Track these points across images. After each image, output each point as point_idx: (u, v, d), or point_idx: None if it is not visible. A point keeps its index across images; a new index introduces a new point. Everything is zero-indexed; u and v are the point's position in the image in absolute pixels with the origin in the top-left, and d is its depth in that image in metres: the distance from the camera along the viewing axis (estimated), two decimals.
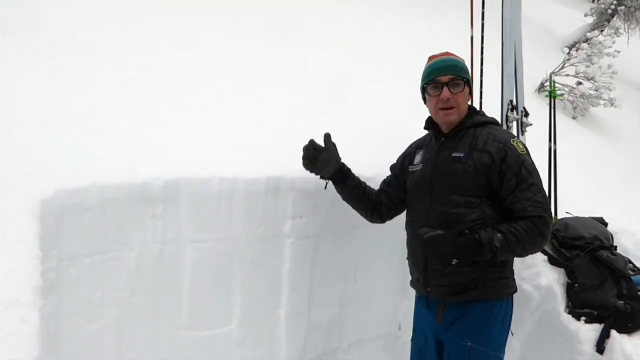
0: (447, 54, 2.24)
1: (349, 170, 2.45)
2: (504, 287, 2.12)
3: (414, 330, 2.35)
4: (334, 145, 2.42)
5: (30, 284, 1.66)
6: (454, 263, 1.98)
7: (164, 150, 2.50)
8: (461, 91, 2.13)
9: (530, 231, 1.96)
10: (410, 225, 2.26)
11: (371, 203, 2.43)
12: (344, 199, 2.47)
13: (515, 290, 2.18)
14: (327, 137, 2.41)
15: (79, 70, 2.82)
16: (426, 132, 2.37)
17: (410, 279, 2.33)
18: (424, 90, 2.22)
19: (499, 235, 1.96)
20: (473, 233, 1.98)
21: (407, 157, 2.39)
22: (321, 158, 2.37)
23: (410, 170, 2.31)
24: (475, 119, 2.17)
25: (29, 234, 1.81)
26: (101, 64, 2.97)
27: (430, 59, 2.26)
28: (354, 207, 2.47)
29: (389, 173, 2.50)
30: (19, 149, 2.15)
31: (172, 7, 4.06)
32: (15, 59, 2.71)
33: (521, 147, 2.07)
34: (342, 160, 2.43)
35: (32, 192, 1.94)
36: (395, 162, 2.48)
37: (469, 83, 2.17)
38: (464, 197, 2.05)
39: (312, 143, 2.39)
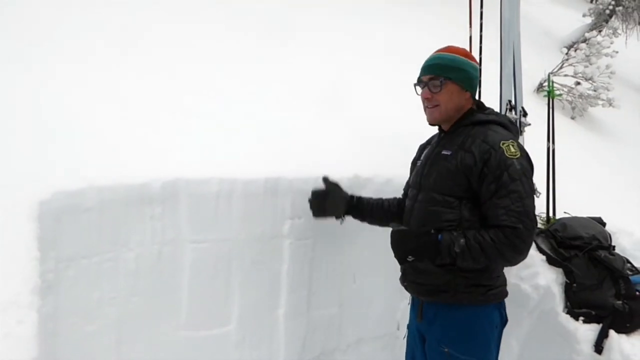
0: (444, 49, 2.20)
1: (359, 199, 2.47)
2: (479, 295, 2.02)
3: (407, 330, 2.36)
4: (336, 184, 2.46)
5: (28, 285, 1.66)
6: (409, 259, 1.98)
7: (162, 150, 2.49)
8: (439, 91, 2.08)
9: (498, 241, 1.86)
10: (402, 220, 2.27)
11: (394, 215, 2.38)
12: (370, 223, 2.50)
13: (499, 299, 2.09)
14: (325, 180, 2.47)
15: (77, 71, 2.82)
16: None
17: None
18: None
19: (462, 240, 1.90)
20: (437, 233, 1.96)
21: (418, 152, 2.40)
22: (327, 203, 2.43)
23: (416, 164, 2.33)
24: (474, 117, 2.10)
25: (27, 235, 1.81)
26: (99, 65, 2.96)
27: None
28: (383, 226, 2.39)
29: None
30: (16, 150, 2.15)
31: (170, 10, 4.05)
32: (14, 59, 2.71)
33: (512, 150, 1.94)
34: (350, 193, 2.46)
35: (29, 194, 1.93)
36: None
37: (452, 80, 2.08)
38: (443, 196, 2.02)
39: (313, 193, 2.47)
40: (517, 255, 1.90)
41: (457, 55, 2.15)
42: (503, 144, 1.96)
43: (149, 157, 2.40)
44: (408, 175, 2.42)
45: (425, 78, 2.14)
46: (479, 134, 2.03)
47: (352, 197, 2.46)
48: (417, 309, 2.18)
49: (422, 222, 2.07)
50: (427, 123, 2.23)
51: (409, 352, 2.33)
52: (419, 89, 2.19)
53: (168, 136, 2.62)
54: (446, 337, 2.04)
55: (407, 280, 2.20)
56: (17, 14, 3.09)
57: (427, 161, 2.20)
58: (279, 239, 2.64)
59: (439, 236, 1.94)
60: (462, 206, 1.99)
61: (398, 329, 3.17)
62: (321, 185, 2.51)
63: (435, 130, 2.31)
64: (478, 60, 3.20)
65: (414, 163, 2.37)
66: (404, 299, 3.01)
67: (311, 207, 2.48)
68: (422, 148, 2.38)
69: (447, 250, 1.92)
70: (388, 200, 2.47)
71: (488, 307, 2.06)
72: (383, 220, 2.42)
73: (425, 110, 2.18)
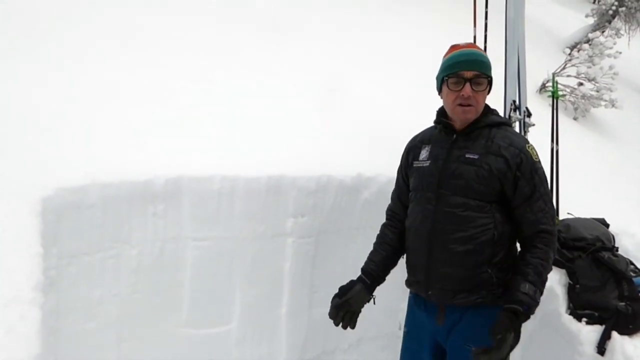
0: (472, 45, 2.12)
1: (374, 274, 2.27)
2: (501, 294, 2.03)
3: (407, 332, 2.28)
4: (346, 294, 2.25)
5: (31, 281, 1.66)
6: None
7: (165, 148, 2.49)
8: (483, 90, 2.01)
9: (545, 256, 1.96)
10: (412, 223, 2.14)
11: (399, 243, 2.27)
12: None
13: None
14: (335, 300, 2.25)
15: (80, 70, 2.82)
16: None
17: (407, 277, 2.25)
18: (442, 81, 2.06)
19: (527, 285, 1.92)
20: (517, 309, 1.91)
21: (410, 152, 2.23)
22: (353, 305, 2.25)
23: (415, 165, 2.16)
24: (490, 119, 2.07)
25: (30, 231, 1.81)
26: (102, 63, 2.96)
27: (453, 47, 2.11)
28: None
29: (392, 172, 2.40)
30: (20, 148, 2.15)
31: (171, 6, 4.04)
32: (16, 59, 2.70)
33: (535, 153, 2.01)
34: (359, 276, 2.27)
35: (33, 190, 1.94)
36: (400, 166, 2.30)
37: (491, 81, 2.05)
38: (475, 201, 1.97)
39: (335, 307, 2.23)
40: (555, 253, 2.04)
41: (486, 55, 2.08)
42: (528, 147, 2.02)
43: (151, 154, 2.40)
44: (404, 185, 2.25)
45: (469, 74, 1.98)
46: (501, 136, 2.02)
47: (369, 282, 2.26)
48: (436, 314, 2.09)
49: (454, 227, 1.98)
50: (455, 120, 2.07)
51: (407, 355, 2.27)
52: (453, 84, 2.01)
53: (171, 133, 2.62)
54: (473, 336, 2.00)
55: (433, 287, 2.06)
56: (18, 14, 3.08)
57: (444, 163, 2.05)
58: (281, 237, 2.64)
59: (524, 307, 1.90)
60: (493, 210, 1.98)
61: (400, 328, 3.15)
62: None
63: (421, 125, 2.22)
64: None
65: (410, 164, 2.20)
66: (406, 299, 3.00)
67: (342, 324, 2.23)
68: (415, 148, 2.21)
69: (535, 304, 1.93)
70: (390, 243, 2.27)
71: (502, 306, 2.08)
72: (399, 255, 2.30)
73: (454, 108, 2.02)
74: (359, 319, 3.09)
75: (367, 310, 3.00)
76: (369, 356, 3.09)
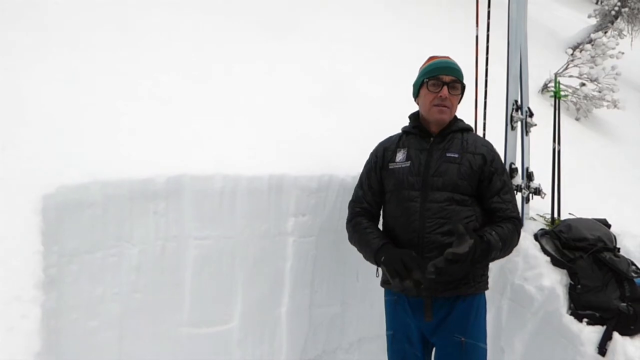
0: (448, 57, 2.34)
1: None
2: (485, 283, 2.28)
3: (393, 334, 2.32)
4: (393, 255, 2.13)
5: (32, 280, 1.66)
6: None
7: (166, 146, 2.49)
8: (457, 93, 2.26)
9: (514, 231, 2.16)
10: (397, 221, 2.22)
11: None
12: None
13: None
14: None
15: (82, 69, 2.82)
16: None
17: (383, 279, 2.33)
18: (420, 85, 2.28)
19: (494, 234, 2.10)
20: (477, 237, 2.05)
21: (382, 155, 2.33)
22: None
23: (390, 167, 2.28)
24: (460, 124, 2.32)
25: (31, 229, 1.80)
26: (104, 62, 2.96)
27: (431, 58, 2.35)
28: None
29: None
30: (21, 146, 2.14)
31: (176, 12, 4.03)
32: (19, 57, 2.70)
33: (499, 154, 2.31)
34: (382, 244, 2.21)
35: (34, 188, 1.93)
36: (369, 168, 2.36)
37: (464, 89, 2.30)
38: (459, 195, 2.16)
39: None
40: (517, 242, 2.23)
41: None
42: (494, 148, 2.30)
43: (153, 153, 2.40)
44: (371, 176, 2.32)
45: (447, 78, 2.22)
46: (473, 139, 2.28)
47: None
48: (422, 309, 2.14)
49: (443, 221, 2.13)
50: (431, 122, 2.27)
51: (399, 355, 2.30)
52: (433, 85, 2.23)
53: (172, 132, 2.61)
54: (461, 326, 2.17)
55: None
56: (22, 12, 3.08)
57: (427, 162, 2.20)
58: (282, 237, 2.64)
59: (485, 238, 2.08)
60: (473, 203, 2.19)
61: None
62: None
63: (389, 132, 2.39)
64: (485, 60, 3.19)
65: (384, 166, 2.29)
66: None
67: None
68: (386, 152, 2.32)
69: (496, 245, 2.08)
70: (368, 225, 2.29)
71: (484, 294, 2.30)
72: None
73: (431, 108, 2.24)
74: (359, 319, 3.10)
75: (368, 309, 3.02)
76: (370, 356, 3.08)
